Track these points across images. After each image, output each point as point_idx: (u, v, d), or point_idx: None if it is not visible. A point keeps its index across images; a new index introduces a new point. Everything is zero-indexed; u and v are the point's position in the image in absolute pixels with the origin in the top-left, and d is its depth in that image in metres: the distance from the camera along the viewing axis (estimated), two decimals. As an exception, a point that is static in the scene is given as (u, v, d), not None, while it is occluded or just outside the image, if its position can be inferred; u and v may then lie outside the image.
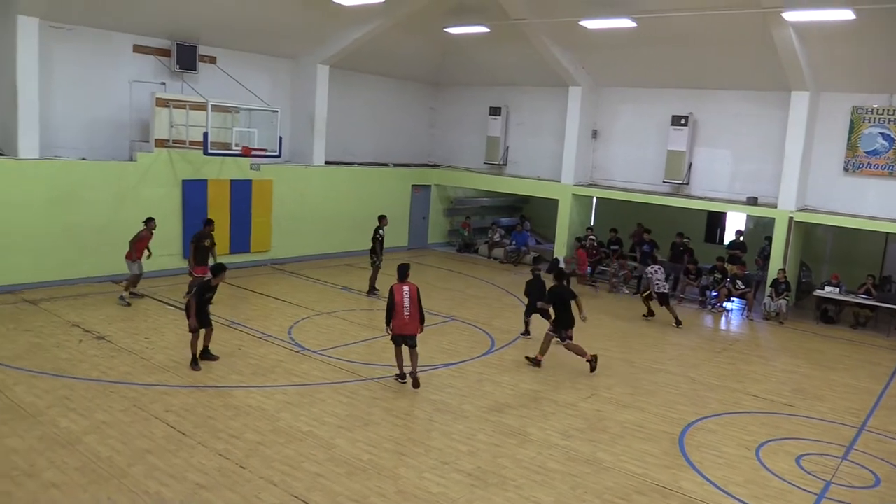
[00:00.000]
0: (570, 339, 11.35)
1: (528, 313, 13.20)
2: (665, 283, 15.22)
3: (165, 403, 9.00)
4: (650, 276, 15.26)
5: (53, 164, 14.22)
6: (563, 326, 11.34)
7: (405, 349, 10.17)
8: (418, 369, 10.20)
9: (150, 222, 13.80)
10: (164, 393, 9.35)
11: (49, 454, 7.45)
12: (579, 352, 11.36)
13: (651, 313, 15.55)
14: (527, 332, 13.29)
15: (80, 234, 14.53)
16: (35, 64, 13.76)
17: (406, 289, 10.08)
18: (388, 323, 10.05)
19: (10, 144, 13.93)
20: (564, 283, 11.59)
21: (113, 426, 8.22)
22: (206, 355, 10.69)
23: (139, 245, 13.62)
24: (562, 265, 18.45)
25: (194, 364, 10.37)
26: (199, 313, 10.31)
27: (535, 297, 12.61)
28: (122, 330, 11.91)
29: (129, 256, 13.59)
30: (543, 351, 11.54)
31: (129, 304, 13.47)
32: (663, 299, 15.02)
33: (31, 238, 13.80)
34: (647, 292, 15.40)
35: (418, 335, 10.19)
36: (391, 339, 10.19)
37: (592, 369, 11.34)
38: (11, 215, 13.53)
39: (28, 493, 6.66)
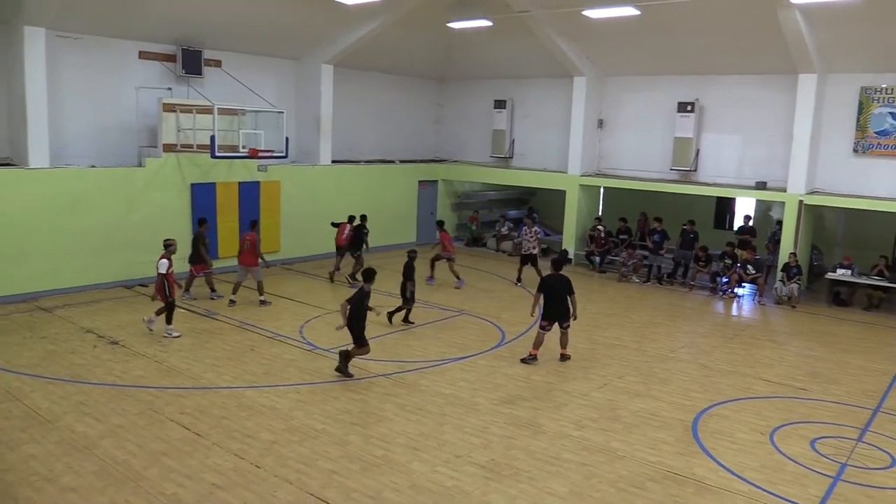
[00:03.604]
0: (546, 330, 11.32)
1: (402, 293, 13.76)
2: (535, 245, 17.02)
3: (180, 406, 9.08)
4: (524, 237, 17.24)
5: (64, 173, 14.33)
6: (547, 317, 11.32)
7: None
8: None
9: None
10: (179, 395, 9.44)
11: (66, 459, 7.53)
12: (536, 343, 11.39)
13: (520, 280, 17.17)
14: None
15: (91, 240, 14.65)
16: (43, 74, 13.86)
17: (347, 228, 16.39)
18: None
19: (20, 154, 14.06)
20: (561, 273, 11.46)
21: (128, 430, 8.31)
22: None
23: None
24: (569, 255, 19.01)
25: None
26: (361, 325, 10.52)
27: (408, 278, 13.43)
28: (134, 335, 12.00)
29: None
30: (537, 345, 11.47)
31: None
32: (532, 260, 16.91)
33: (44, 247, 13.91)
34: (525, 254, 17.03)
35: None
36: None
37: (525, 361, 11.30)
38: (24, 225, 13.64)
39: (48, 498, 6.75)
